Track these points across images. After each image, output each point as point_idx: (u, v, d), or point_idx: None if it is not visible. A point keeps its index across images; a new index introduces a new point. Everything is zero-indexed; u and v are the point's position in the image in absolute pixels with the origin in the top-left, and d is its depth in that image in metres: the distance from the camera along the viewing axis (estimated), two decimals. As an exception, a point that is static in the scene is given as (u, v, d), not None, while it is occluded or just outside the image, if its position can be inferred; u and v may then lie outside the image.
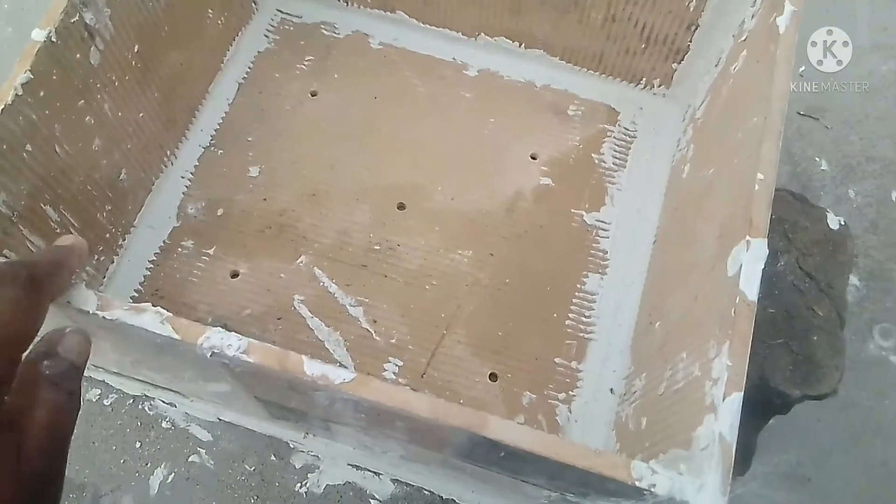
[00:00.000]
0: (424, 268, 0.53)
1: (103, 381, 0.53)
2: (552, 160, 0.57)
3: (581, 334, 0.51)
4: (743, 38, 0.46)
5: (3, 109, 0.38)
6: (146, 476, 0.52)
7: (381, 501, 0.51)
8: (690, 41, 0.54)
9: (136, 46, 0.48)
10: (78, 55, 0.42)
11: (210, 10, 0.56)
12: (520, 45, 0.60)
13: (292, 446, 0.53)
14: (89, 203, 0.47)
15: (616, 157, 0.57)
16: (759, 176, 0.36)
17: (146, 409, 0.54)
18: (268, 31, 0.62)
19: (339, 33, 0.62)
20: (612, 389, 0.49)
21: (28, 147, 0.40)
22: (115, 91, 0.47)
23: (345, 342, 0.50)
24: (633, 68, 0.59)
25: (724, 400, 0.31)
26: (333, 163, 0.56)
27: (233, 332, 0.31)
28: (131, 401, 0.54)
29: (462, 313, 0.51)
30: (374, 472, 0.52)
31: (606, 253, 0.54)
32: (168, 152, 0.55)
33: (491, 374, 0.50)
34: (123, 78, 0.47)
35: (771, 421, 0.51)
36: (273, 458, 0.53)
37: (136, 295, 0.51)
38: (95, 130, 0.46)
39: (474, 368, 0.50)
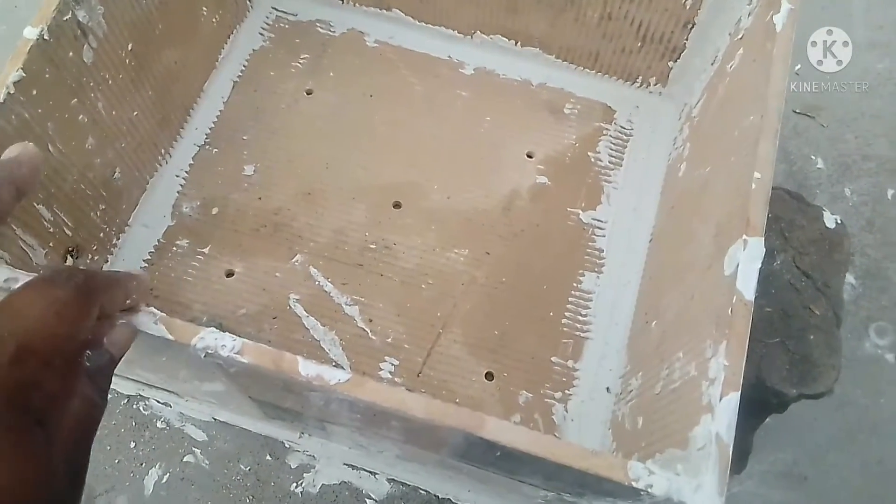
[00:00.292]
0: (420, 267, 0.52)
1: (98, 380, 0.53)
2: (548, 159, 0.57)
3: (577, 333, 0.51)
4: (739, 37, 0.46)
5: (-5, 108, 0.38)
6: (141, 476, 0.52)
7: (377, 501, 0.51)
8: (687, 39, 0.54)
9: (130, 44, 0.47)
10: (71, 53, 0.42)
11: (204, 8, 0.55)
12: (516, 44, 0.60)
13: (288, 446, 0.53)
14: (83, 202, 0.47)
15: (612, 156, 0.57)
16: (756, 175, 0.36)
17: (141, 408, 0.54)
18: (263, 29, 0.62)
19: (334, 31, 0.62)
20: (608, 388, 0.49)
21: None
22: (109, 89, 0.46)
23: (340, 341, 0.50)
24: (630, 67, 0.59)
25: (720, 400, 0.31)
26: (329, 161, 0.56)
27: (227, 332, 0.31)
28: (126, 400, 0.54)
29: (458, 312, 0.51)
30: (370, 472, 0.52)
31: (603, 252, 0.54)
32: (162, 151, 0.55)
33: (487, 374, 0.49)
34: (117, 76, 0.47)
35: (767, 420, 0.51)
36: (268, 457, 0.52)
37: (130, 294, 0.51)
38: (89, 129, 0.45)
39: (470, 367, 0.49)
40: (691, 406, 0.34)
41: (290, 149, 0.56)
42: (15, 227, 0.41)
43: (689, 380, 0.35)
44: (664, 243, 0.51)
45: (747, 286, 0.34)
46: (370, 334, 0.50)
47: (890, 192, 0.65)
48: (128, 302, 0.29)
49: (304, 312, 0.50)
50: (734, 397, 0.31)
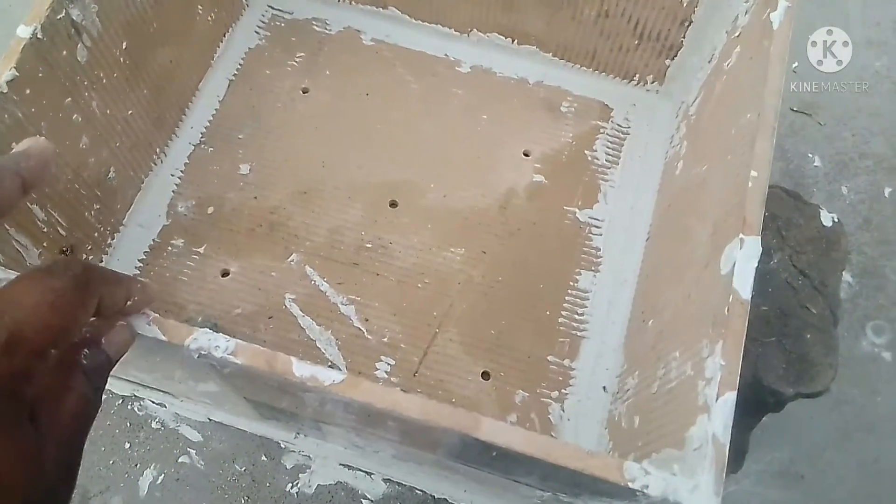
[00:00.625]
0: (417, 266, 0.52)
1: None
2: (545, 157, 0.57)
3: (574, 332, 0.51)
4: (736, 34, 0.46)
5: (-13, 107, 0.37)
6: (136, 477, 0.51)
7: (372, 501, 0.51)
8: (684, 37, 0.54)
9: (125, 43, 0.47)
10: (65, 52, 0.42)
11: (200, 7, 0.55)
12: (513, 42, 0.60)
13: (283, 446, 0.52)
14: (77, 202, 0.46)
15: (609, 154, 0.57)
16: (753, 173, 0.36)
17: (135, 409, 0.53)
18: (258, 27, 0.61)
19: (330, 29, 0.62)
20: (604, 388, 0.49)
21: (14, 145, 0.39)
22: (103, 88, 0.46)
23: (336, 341, 0.50)
24: (627, 65, 0.58)
25: (717, 400, 0.31)
26: (325, 160, 0.56)
27: (222, 333, 0.31)
28: (120, 401, 0.53)
29: (454, 312, 0.51)
30: (366, 472, 0.52)
31: (599, 250, 0.54)
32: (158, 150, 0.54)
33: (483, 373, 0.49)
34: (111, 75, 0.47)
35: (764, 419, 0.50)
36: (264, 458, 0.52)
37: (125, 294, 0.50)
38: (83, 128, 0.45)
39: (467, 367, 0.49)
40: (687, 405, 0.33)
41: (285, 148, 0.56)
42: (8, 227, 0.40)
43: (685, 379, 0.35)
44: (661, 242, 0.51)
45: (744, 285, 0.33)
46: (366, 334, 0.50)
47: (887, 191, 0.65)
48: (129, 303, 0.28)
49: (300, 312, 0.50)
50: (730, 397, 0.31)
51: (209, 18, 0.57)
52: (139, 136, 0.51)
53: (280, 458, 0.52)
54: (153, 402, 0.53)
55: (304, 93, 0.59)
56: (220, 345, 0.30)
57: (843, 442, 0.55)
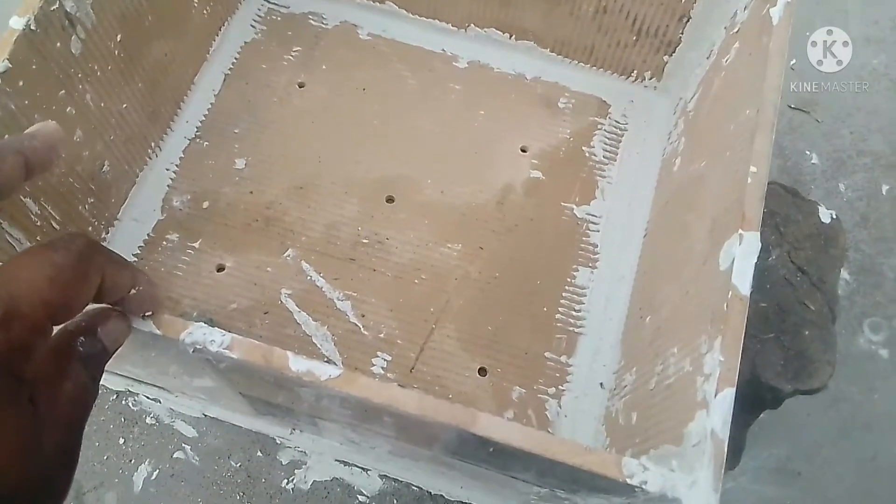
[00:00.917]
0: (414, 262, 0.52)
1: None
2: (542, 153, 0.57)
3: (571, 328, 0.51)
4: (735, 30, 0.46)
5: (-20, 99, 0.37)
6: (130, 473, 0.51)
7: (368, 497, 0.51)
8: (682, 33, 0.54)
9: (119, 36, 0.47)
10: (58, 44, 0.41)
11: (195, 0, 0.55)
12: (510, 37, 0.60)
13: (279, 442, 0.52)
14: (71, 195, 0.46)
15: (607, 151, 0.57)
16: (752, 169, 0.36)
17: (130, 404, 0.53)
18: (254, 21, 0.61)
19: (327, 24, 0.61)
20: (602, 384, 0.49)
21: (6, 138, 0.39)
22: (98, 81, 0.46)
23: (332, 337, 0.49)
24: (625, 61, 0.58)
25: (715, 396, 0.31)
26: (321, 155, 0.55)
27: (217, 327, 0.30)
28: (115, 396, 0.53)
29: (451, 307, 0.51)
30: (362, 468, 0.52)
31: (597, 247, 0.53)
32: (152, 144, 0.54)
33: (480, 369, 0.49)
34: (106, 68, 0.46)
35: (761, 415, 0.50)
36: (259, 454, 0.52)
37: (119, 289, 0.50)
38: (77, 121, 0.45)
39: (464, 363, 0.49)
40: (686, 402, 0.33)
41: (281, 142, 0.56)
42: (1, 221, 0.40)
43: (683, 375, 0.35)
44: (659, 238, 0.50)
45: (743, 281, 0.33)
46: (362, 329, 0.50)
47: (884, 188, 0.65)
48: (132, 292, 0.28)
49: (296, 307, 0.50)
50: (729, 393, 0.31)
51: (204, 12, 0.56)
52: (134, 129, 0.51)
53: (276, 453, 0.52)
54: (148, 398, 0.53)
55: (300, 87, 0.58)
56: (215, 339, 0.30)
57: (840, 439, 0.55)
